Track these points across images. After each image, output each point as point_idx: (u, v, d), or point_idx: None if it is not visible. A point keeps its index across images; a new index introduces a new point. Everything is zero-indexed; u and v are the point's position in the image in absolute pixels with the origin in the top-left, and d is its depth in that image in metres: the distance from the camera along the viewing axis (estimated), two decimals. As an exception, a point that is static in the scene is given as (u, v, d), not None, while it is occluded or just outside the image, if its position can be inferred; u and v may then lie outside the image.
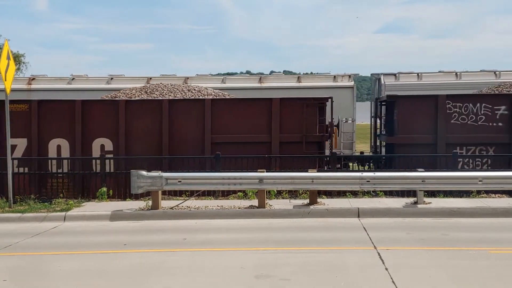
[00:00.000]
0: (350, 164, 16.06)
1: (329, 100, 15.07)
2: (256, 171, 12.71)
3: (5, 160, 12.97)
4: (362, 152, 18.29)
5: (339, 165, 15.51)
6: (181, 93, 16.09)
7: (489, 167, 13.90)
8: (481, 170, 13.35)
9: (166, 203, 12.90)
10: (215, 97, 15.81)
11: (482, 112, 14.28)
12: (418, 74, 19.81)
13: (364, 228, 10.66)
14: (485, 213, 11.75)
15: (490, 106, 14.29)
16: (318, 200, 12.73)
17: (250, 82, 19.87)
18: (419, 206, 12.23)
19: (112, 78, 20.41)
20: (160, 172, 12.49)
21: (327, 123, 15.14)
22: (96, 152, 14.45)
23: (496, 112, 14.26)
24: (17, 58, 38.13)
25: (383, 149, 17.22)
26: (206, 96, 15.82)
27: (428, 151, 14.21)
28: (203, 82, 19.69)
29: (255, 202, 12.78)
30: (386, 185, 12.52)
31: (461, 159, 14.07)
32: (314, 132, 14.44)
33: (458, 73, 19.65)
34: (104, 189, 13.73)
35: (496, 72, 19.48)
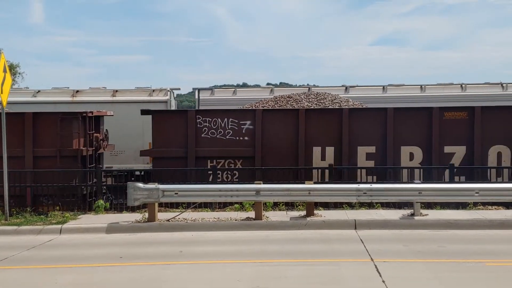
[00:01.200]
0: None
1: (85, 114, 14.66)
2: (253, 183, 12.71)
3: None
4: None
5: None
6: None
7: (238, 180, 14.13)
8: (476, 182, 13.35)
9: (162, 215, 12.87)
10: None
11: (230, 126, 14.57)
12: (234, 89, 20.58)
13: (361, 240, 10.65)
14: (482, 225, 11.76)
15: (237, 121, 14.58)
16: (315, 211, 12.73)
17: (63, 96, 19.54)
18: (416, 218, 12.23)
19: None
20: (156, 184, 12.48)
21: (101, 136, 15.30)
22: None
23: (242, 126, 14.56)
24: (12, 69, 38.06)
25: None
26: None
27: (182, 164, 14.40)
28: (13, 96, 18.75)
29: (252, 214, 12.77)
30: (383, 197, 12.54)
31: (211, 173, 14.18)
32: (70, 146, 14.35)
33: (272, 89, 20.30)
34: (101, 201, 13.69)
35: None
